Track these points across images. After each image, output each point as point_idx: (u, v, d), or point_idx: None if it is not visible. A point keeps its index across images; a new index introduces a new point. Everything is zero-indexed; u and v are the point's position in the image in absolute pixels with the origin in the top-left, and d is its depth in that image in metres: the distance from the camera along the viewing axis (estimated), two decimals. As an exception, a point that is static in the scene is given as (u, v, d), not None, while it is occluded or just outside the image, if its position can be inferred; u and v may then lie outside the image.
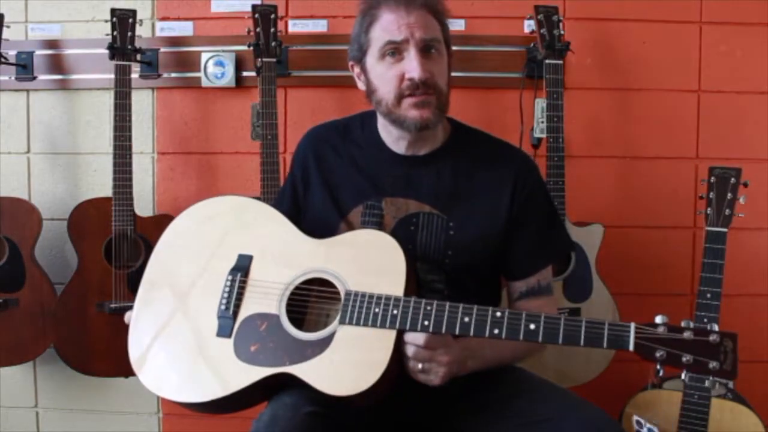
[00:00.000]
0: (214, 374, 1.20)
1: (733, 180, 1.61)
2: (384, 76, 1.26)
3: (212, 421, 2.18)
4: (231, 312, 1.23)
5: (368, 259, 1.22)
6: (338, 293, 1.20)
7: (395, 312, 1.15)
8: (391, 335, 1.14)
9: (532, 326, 1.08)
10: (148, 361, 1.26)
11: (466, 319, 1.12)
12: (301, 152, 1.44)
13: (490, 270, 1.36)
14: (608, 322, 1.05)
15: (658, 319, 1.03)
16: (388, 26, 1.24)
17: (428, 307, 1.13)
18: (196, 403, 1.21)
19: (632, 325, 1.04)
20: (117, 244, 1.92)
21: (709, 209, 1.61)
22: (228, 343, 1.21)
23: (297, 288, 1.23)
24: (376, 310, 1.15)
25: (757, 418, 1.62)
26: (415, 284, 1.22)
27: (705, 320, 1.59)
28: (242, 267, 1.26)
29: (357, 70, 1.33)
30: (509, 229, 1.31)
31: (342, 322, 1.17)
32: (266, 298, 1.23)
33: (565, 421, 1.15)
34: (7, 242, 1.93)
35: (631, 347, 1.03)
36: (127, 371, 1.95)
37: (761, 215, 2.08)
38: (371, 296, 1.17)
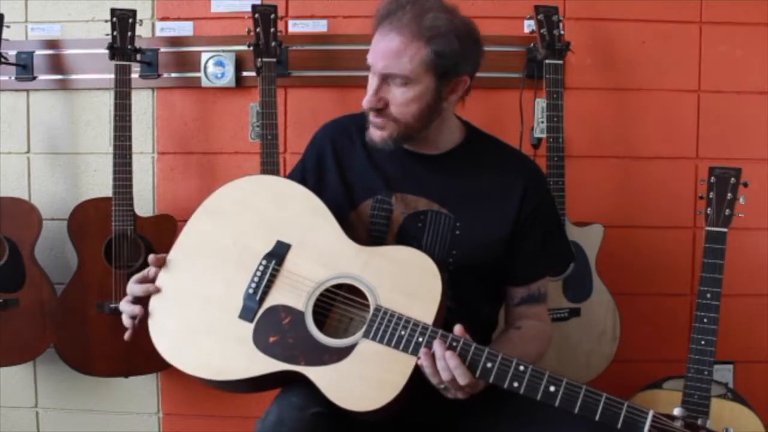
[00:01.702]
0: (228, 355, 1.20)
1: (733, 180, 1.61)
2: None
3: (212, 421, 2.18)
4: (258, 297, 1.22)
5: (406, 279, 1.20)
6: (367, 304, 1.20)
7: (420, 339, 1.13)
8: (411, 362, 1.13)
9: (552, 389, 1.08)
10: (164, 325, 1.25)
11: (489, 365, 1.11)
12: (318, 141, 1.44)
13: (493, 273, 1.36)
14: (627, 403, 1.04)
15: (677, 412, 1.03)
16: (371, 45, 1.25)
17: (454, 343, 1.12)
18: (203, 378, 1.21)
19: (650, 413, 1.03)
20: (117, 244, 1.91)
21: (709, 209, 1.61)
22: (248, 328, 1.21)
23: (327, 289, 1.23)
24: (402, 332, 1.14)
25: (757, 418, 1.62)
26: (444, 315, 1.20)
27: (705, 320, 1.58)
28: (278, 254, 1.25)
29: None
30: (515, 236, 1.32)
31: (366, 335, 1.16)
32: (295, 291, 1.22)
33: (567, 421, 1.15)
34: (7, 242, 1.93)
35: None
36: (127, 371, 1.96)
37: (761, 215, 2.08)
38: (400, 317, 1.15)
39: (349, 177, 1.37)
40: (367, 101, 1.24)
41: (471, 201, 1.32)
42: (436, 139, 1.34)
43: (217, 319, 1.23)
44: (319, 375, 1.14)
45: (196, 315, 1.24)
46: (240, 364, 1.19)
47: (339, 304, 1.25)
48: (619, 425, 1.04)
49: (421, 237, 1.31)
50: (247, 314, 1.22)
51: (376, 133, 1.28)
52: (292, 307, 1.21)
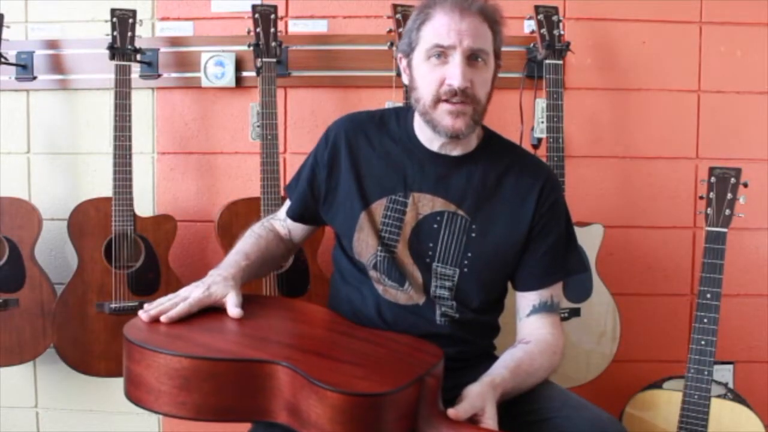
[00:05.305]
0: None
1: (733, 180, 1.61)
2: (426, 77, 1.25)
3: (212, 421, 2.18)
4: None
5: None
6: None
7: None
8: None
9: None
10: None
11: None
12: (332, 136, 1.39)
13: (502, 279, 1.35)
14: None
15: None
16: (438, 29, 1.23)
17: None
18: None
19: None
20: (117, 244, 1.91)
21: (709, 209, 1.61)
22: None
23: None
24: None
25: (757, 418, 1.62)
26: None
27: (705, 320, 1.59)
28: None
29: (404, 63, 1.33)
30: (529, 238, 1.31)
31: None
32: None
33: (567, 420, 1.15)
34: (7, 242, 1.93)
35: None
36: (127, 371, 1.96)
37: (761, 215, 2.08)
38: None
39: (364, 176, 1.34)
40: (460, 80, 1.21)
41: (487, 203, 1.31)
42: (469, 136, 1.32)
43: None
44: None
45: None
46: None
47: None
48: None
49: (437, 238, 1.30)
50: None
51: (458, 121, 1.25)
52: None
